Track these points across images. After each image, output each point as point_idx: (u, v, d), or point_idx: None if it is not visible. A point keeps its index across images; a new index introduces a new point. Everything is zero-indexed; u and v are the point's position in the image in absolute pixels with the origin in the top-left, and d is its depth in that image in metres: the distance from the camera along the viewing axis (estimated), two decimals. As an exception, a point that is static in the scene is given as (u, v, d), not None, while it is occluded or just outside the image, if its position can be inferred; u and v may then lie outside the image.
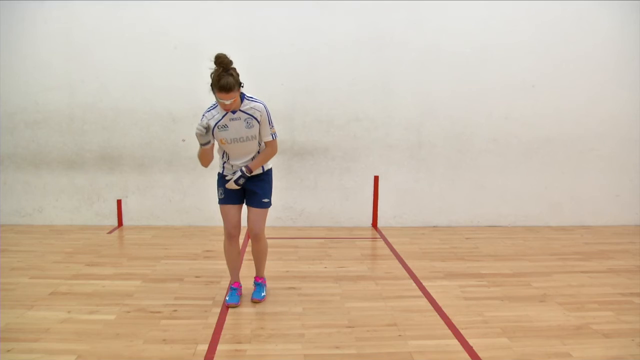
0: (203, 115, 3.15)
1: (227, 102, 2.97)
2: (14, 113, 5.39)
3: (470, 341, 2.88)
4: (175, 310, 3.28)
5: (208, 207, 5.66)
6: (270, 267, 3.99)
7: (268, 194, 3.37)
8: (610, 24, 5.58)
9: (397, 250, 4.77)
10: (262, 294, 3.48)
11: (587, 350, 2.80)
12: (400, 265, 4.32)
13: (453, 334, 2.99)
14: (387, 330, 3.03)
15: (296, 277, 3.95)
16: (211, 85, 2.97)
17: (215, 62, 2.93)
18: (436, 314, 3.29)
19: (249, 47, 5.34)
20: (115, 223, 5.62)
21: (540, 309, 3.39)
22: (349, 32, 5.45)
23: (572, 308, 3.40)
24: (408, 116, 5.63)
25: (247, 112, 3.12)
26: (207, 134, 3.06)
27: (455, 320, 3.18)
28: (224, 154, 3.29)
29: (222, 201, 3.35)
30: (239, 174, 3.19)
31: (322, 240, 5.14)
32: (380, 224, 5.78)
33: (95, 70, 5.37)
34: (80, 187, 5.57)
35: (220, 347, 2.79)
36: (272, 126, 3.21)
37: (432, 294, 3.64)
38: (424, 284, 3.85)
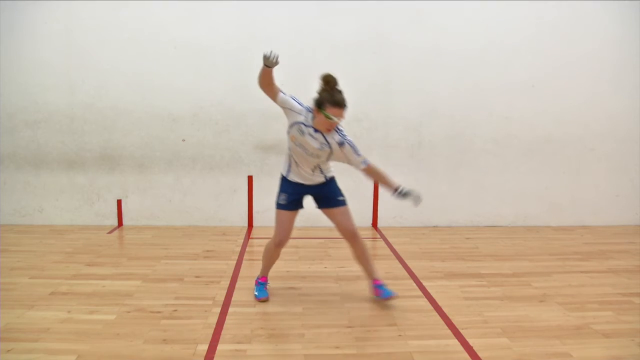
0: (299, 102, 3.08)
1: (337, 120, 2.94)
2: (14, 113, 5.39)
3: (470, 341, 2.88)
4: (175, 310, 3.28)
5: (208, 207, 5.66)
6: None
7: (340, 192, 3.39)
8: (610, 24, 5.58)
9: (397, 250, 4.77)
10: (390, 290, 3.39)
11: (587, 350, 2.80)
12: (400, 265, 4.32)
13: (453, 334, 2.99)
14: (387, 330, 3.03)
15: (296, 277, 3.95)
16: (320, 102, 2.94)
17: (324, 81, 2.96)
18: (436, 314, 3.29)
19: (249, 47, 5.33)
20: (115, 223, 5.63)
21: (540, 309, 3.39)
22: (349, 32, 5.45)
23: (572, 308, 3.40)
24: (408, 116, 5.63)
25: (328, 140, 3.05)
26: (271, 60, 2.98)
27: (455, 320, 3.18)
28: (292, 159, 3.22)
29: (283, 207, 3.30)
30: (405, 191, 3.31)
31: (322, 240, 5.14)
32: (380, 224, 5.78)
33: (95, 70, 5.37)
34: (80, 187, 5.57)
35: (220, 347, 2.78)
36: (360, 155, 3.13)
37: (432, 294, 3.64)
38: (424, 284, 3.85)
